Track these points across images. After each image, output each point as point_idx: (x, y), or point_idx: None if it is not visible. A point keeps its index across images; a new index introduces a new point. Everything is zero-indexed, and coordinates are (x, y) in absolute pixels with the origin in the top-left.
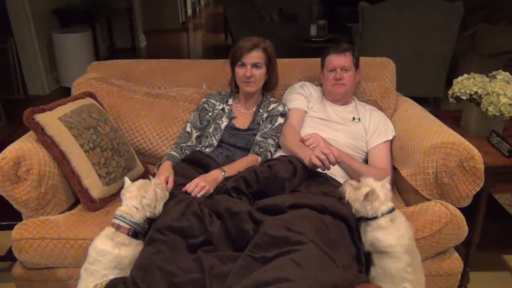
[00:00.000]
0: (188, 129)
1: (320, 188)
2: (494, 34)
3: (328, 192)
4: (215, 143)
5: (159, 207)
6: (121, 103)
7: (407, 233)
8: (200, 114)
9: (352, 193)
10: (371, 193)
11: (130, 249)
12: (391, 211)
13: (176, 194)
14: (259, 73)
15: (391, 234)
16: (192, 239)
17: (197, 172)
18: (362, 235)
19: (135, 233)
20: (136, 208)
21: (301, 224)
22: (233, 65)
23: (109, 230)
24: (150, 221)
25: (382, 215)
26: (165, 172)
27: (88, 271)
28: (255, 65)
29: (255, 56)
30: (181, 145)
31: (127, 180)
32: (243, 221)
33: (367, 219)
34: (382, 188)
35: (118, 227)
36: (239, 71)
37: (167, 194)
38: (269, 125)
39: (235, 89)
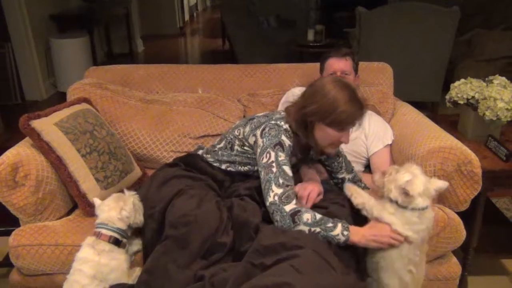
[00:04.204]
0: (289, 172)
1: (326, 195)
2: (491, 39)
3: (332, 198)
4: (241, 170)
5: (140, 217)
6: (115, 109)
7: (426, 229)
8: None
9: (393, 175)
10: (409, 185)
11: (111, 257)
12: (423, 208)
13: (186, 190)
14: None
15: (404, 225)
16: (203, 232)
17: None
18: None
19: (116, 241)
20: (117, 218)
21: (300, 230)
22: (324, 121)
23: (90, 239)
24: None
25: (413, 209)
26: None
27: (68, 282)
28: None
29: None
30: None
31: (96, 200)
32: (246, 236)
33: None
34: (425, 182)
35: (98, 235)
36: (335, 134)
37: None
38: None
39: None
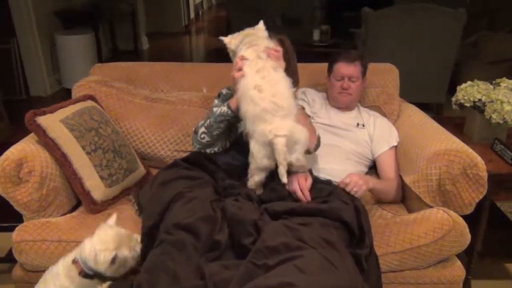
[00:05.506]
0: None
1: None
2: (497, 41)
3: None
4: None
5: (119, 270)
6: (120, 106)
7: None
8: None
9: None
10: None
11: (82, 284)
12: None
13: (184, 193)
14: None
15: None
16: (198, 240)
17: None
18: None
19: (87, 275)
20: (96, 255)
21: (302, 229)
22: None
23: (68, 261)
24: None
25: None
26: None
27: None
28: None
29: None
30: None
31: (113, 218)
32: (245, 233)
33: None
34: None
35: (75, 262)
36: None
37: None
38: None
39: None
